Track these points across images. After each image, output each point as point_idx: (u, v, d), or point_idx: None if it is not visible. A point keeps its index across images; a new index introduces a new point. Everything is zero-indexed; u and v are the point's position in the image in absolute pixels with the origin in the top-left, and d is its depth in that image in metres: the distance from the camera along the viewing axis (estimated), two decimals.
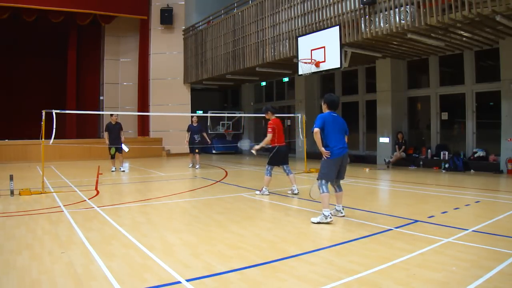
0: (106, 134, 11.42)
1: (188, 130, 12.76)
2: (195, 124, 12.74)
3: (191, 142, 12.62)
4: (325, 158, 5.19)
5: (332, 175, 5.25)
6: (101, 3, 17.14)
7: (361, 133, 14.81)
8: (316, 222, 5.02)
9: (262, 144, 7.30)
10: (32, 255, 3.87)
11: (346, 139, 5.39)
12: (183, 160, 14.55)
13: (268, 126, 7.30)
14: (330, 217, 5.02)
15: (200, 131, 12.72)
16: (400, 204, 6.64)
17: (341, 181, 5.50)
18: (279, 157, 7.31)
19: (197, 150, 12.67)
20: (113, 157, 11.49)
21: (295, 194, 7.30)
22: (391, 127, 12.92)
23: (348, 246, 4.14)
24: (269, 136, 7.21)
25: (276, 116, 7.45)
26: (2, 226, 5.06)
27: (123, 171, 11.54)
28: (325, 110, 5.40)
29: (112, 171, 11.38)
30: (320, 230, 4.82)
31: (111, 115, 11.58)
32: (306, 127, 11.66)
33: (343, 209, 5.52)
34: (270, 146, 7.35)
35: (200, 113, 19.06)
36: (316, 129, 5.11)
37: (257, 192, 7.44)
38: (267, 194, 7.31)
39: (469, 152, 11.38)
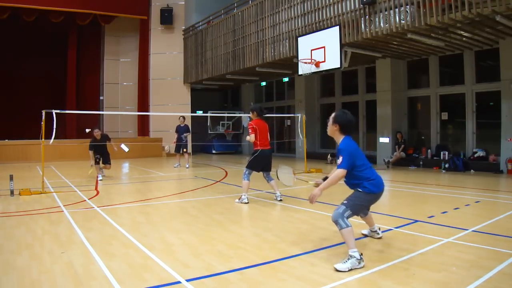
0: (91, 153, 9.84)
1: (176, 131, 13.02)
2: (182, 125, 12.91)
3: (179, 142, 12.85)
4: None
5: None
6: (101, 3, 17.13)
7: (361, 133, 14.81)
8: (347, 270, 3.40)
9: (247, 139, 6.79)
10: (32, 255, 3.87)
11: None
12: (183, 160, 14.49)
13: (248, 127, 6.78)
14: (362, 259, 3.50)
15: (186, 131, 12.88)
16: (400, 204, 6.63)
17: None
18: (260, 162, 6.77)
19: (185, 150, 12.83)
20: (97, 162, 9.96)
21: (279, 200, 6.73)
22: (391, 127, 12.93)
23: None
24: (252, 136, 6.65)
25: (261, 118, 6.83)
26: (2, 226, 5.06)
27: (104, 175, 10.21)
28: (335, 130, 3.82)
29: (100, 178, 9.87)
30: (320, 230, 4.82)
31: (93, 130, 9.97)
32: (306, 127, 11.67)
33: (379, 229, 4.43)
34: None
35: (200, 113, 19.07)
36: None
37: (236, 201, 6.76)
38: (246, 202, 6.60)
39: (469, 152, 11.38)
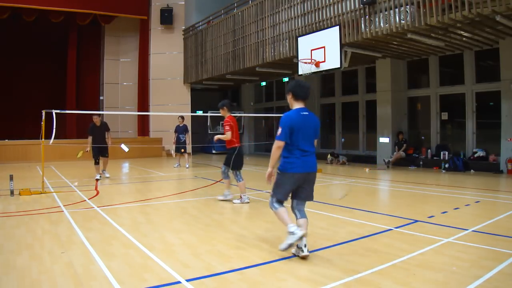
0: (89, 139, 9.66)
1: (175, 131, 13.01)
2: (181, 125, 12.90)
3: (177, 142, 12.84)
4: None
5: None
6: (101, 3, 17.14)
7: (361, 133, 14.81)
8: (287, 246, 3.76)
9: (221, 137, 6.66)
10: (32, 255, 3.87)
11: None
12: (183, 160, 14.53)
13: (224, 124, 6.59)
14: (298, 229, 3.71)
15: (185, 131, 12.88)
16: (400, 204, 6.63)
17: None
18: (240, 159, 6.71)
19: (182, 150, 12.82)
20: (97, 162, 9.72)
21: (245, 202, 6.61)
22: (391, 127, 12.93)
23: (348, 246, 4.14)
24: (228, 134, 6.51)
25: (232, 114, 6.79)
26: (2, 226, 5.06)
27: (108, 176, 10.01)
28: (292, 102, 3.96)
29: (97, 179, 9.55)
30: (320, 230, 4.82)
31: (93, 116, 9.85)
32: None
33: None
34: (226, 148, 6.74)
35: (200, 113, 19.06)
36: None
37: (237, 201, 6.62)
38: (247, 202, 6.60)
39: (469, 152, 11.38)
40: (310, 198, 3.97)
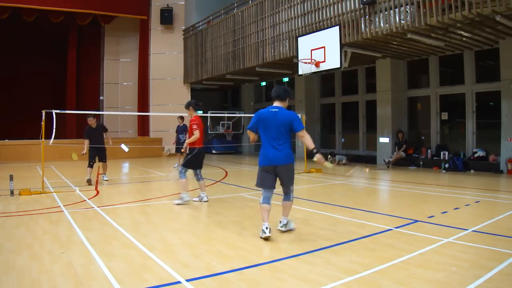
0: (86, 142, 9.06)
1: (176, 131, 12.95)
2: (180, 125, 12.86)
3: (177, 142, 12.74)
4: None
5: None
6: (101, 3, 17.15)
7: (361, 133, 14.81)
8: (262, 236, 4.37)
9: (190, 140, 6.51)
10: (32, 255, 3.87)
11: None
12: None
13: (192, 122, 6.50)
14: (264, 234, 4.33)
15: (185, 131, 12.84)
16: (400, 204, 6.63)
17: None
18: (198, 160, 6.70)
19: (182, 150, 12.71)
20: (90, 165, 9.13)
21: (204, 201, 6.74)
22: (391, 127, 12.92)
23: (348, 246, 4.14)
24: (197, 133, 6.43)
25: (198, 114, 6.72)
26: (2, 226, 5.06)
27: (106, 180, 9.55)
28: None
29: (88, 179, 8.97)
30: (320, 230, 4.82)
31: (87, 118, 9.22)
32: (306, 127, 11.67)
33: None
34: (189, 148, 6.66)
35: (200, 113, 19.03)
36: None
37: (195, 199, 6.80)
38: (206, 201, 6.75)
39: (469, 152, 11.37)
40: (285, 186, 4.55)
